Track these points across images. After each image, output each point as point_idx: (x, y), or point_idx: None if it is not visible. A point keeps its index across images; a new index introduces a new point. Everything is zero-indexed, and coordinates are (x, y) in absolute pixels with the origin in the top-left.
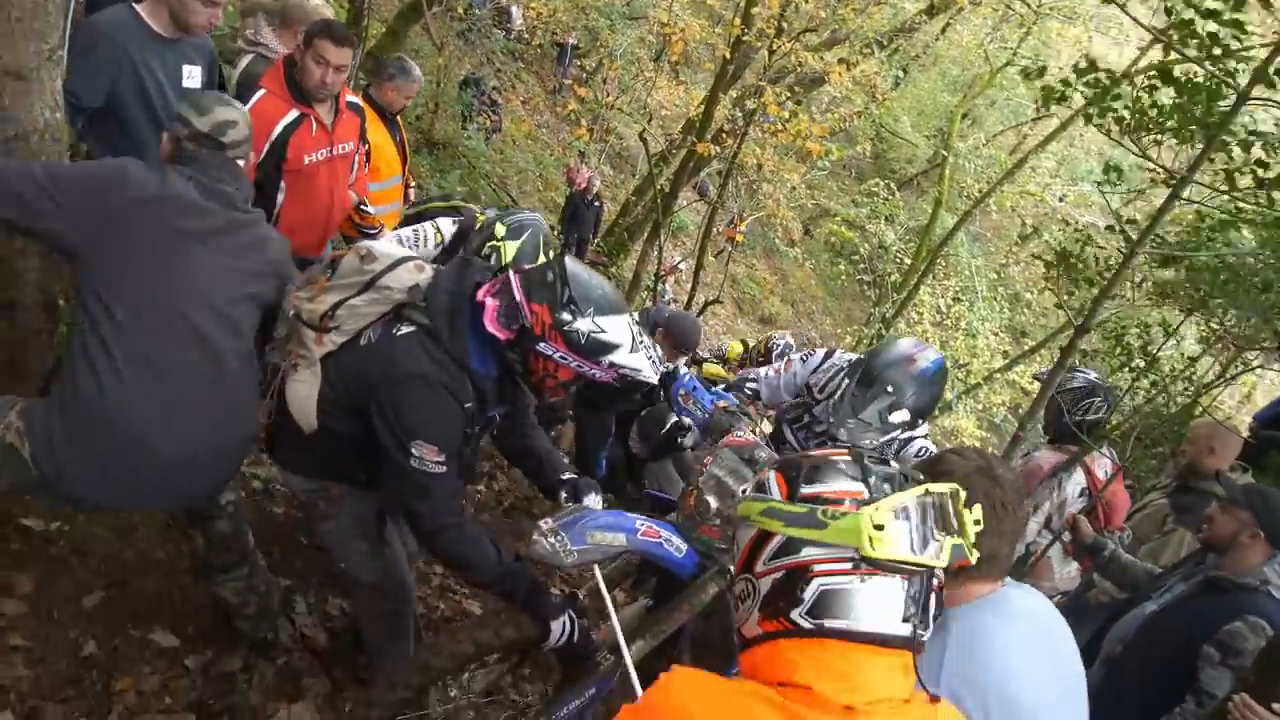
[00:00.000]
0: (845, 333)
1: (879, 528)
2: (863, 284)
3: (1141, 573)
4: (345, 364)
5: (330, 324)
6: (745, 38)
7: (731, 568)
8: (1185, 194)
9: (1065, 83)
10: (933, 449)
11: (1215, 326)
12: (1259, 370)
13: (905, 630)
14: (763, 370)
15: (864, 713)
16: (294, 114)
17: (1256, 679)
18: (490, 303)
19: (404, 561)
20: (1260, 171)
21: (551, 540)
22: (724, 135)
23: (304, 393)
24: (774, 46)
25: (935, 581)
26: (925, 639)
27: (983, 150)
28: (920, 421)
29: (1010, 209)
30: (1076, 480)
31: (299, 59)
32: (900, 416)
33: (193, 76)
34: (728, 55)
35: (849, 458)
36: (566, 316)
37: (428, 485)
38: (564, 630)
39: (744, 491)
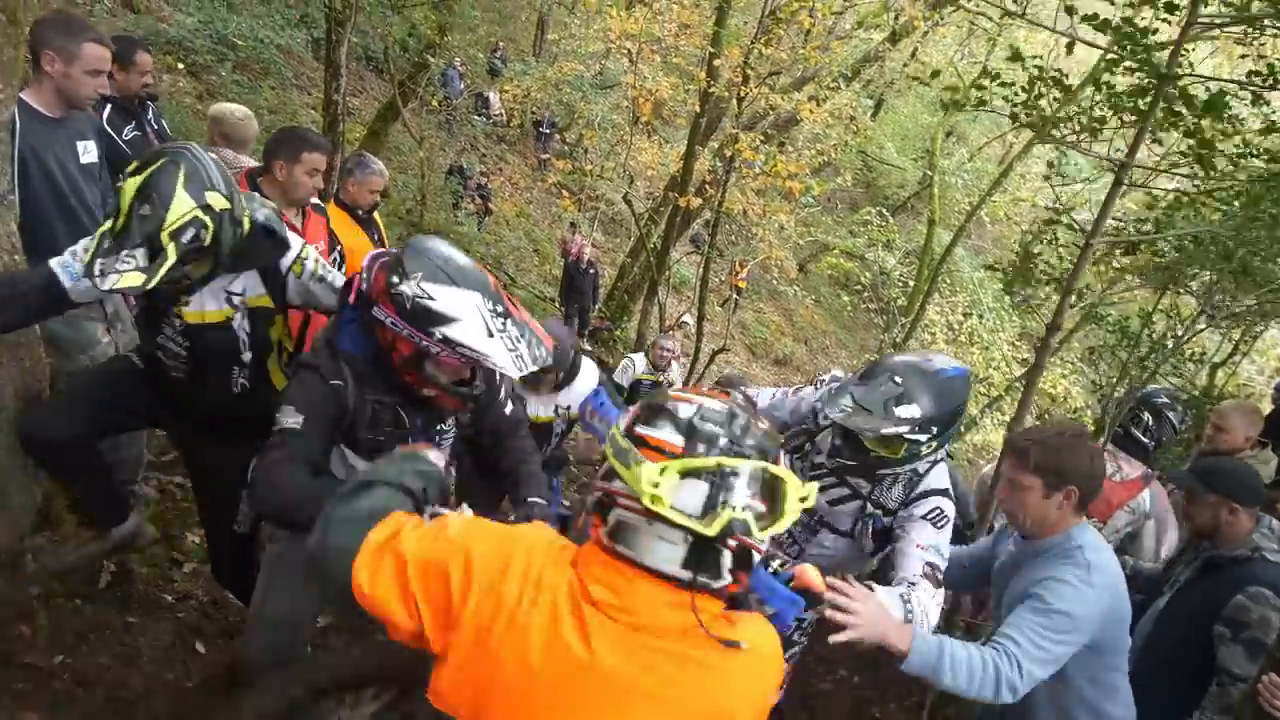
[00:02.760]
0: (861, 363)
1: (655, 485)
2: (870, 312)
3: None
4: None
5: None
6: (713, 89)
7: None
8: (1141, 180)
9: (979, 86)
10: (948, 472)
11: (1193, 300)
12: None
13: (684, 575)
14: (776, 389)
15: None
16: None
17: None
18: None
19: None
20: (1200, 149)
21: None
22: (707, 186)
23: None
24: (742, 94)
25: (733, 544)
26: (716, 587)
27: (969, 165)
28: (939, 433)
29: (1005, 218)
30: None
31: (283, 175)
32: (909, 412)
33: (88, 152)
34: (698, 109)
35: (690, 411)
36: (394, 279)
37: (279, 441)
38: None
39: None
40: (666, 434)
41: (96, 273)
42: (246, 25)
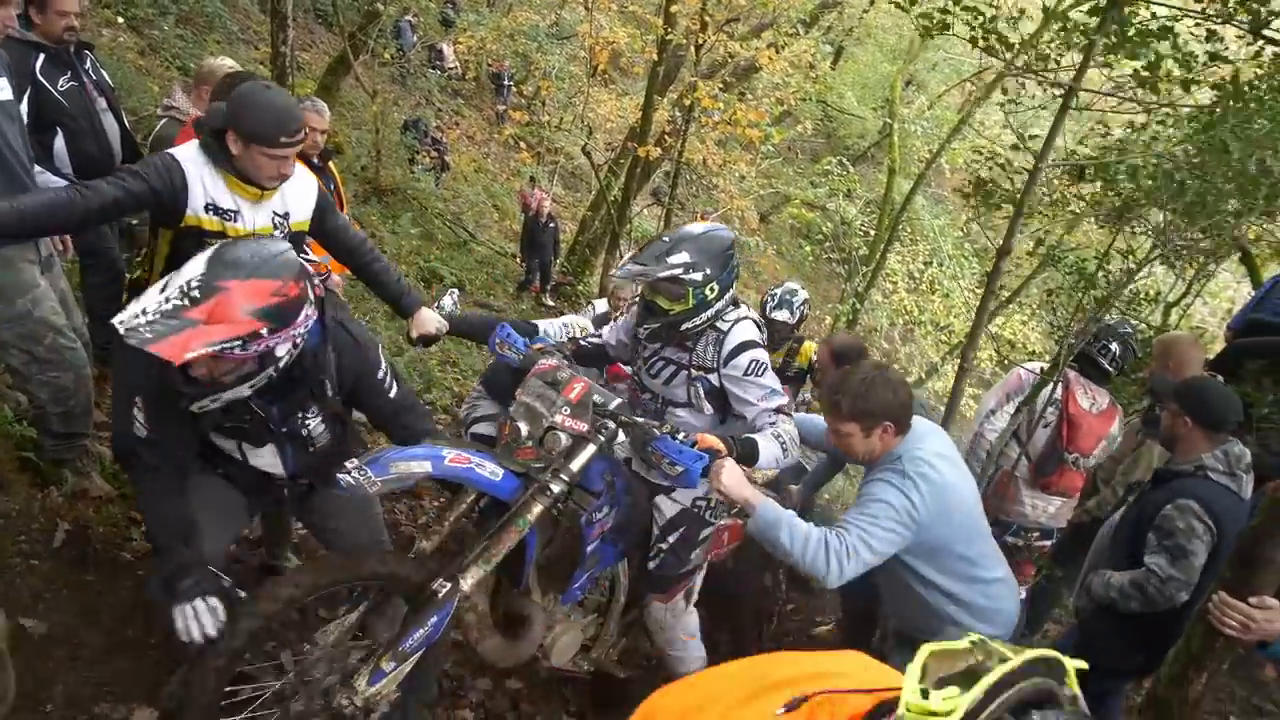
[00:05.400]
0: (823, 313)
1: None
2: (832, 262)
3: None
4: None
5: None
6: (670, 38)
7: (552, 484)
8: (1088, 103)
9: (944, 10)
10: (754, 326)
11: (1140, 234)
12: (1217, 278)
13: None
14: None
15: None
16: None
17: (1232, 575)
18: None
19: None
20: (1145, 74)
21: (355, 474)
22: (666, 137)
23: None
24: (700, 42)
25: None
26: None
27: (928, 113)
28: (715, 276)
29: (964, 165)
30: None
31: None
32: (678, 258)
33: (3, 89)
34: (656, 58)
35: None
36: None
37: None
38: (189, 621)
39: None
40: None
41: None
42: None
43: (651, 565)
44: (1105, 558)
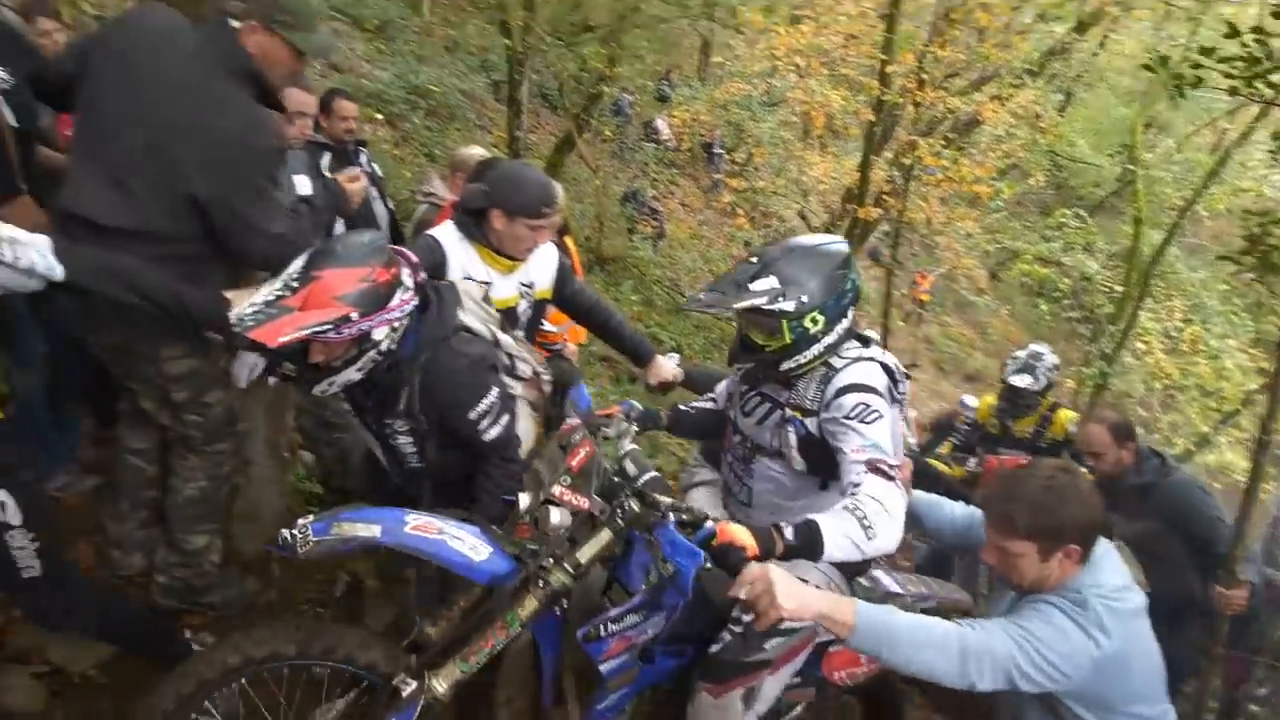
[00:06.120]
0: (1064, 377)
1: None
2: (1073, 321)
3: None
4: None
5: None
6: (886, 97)
7: (550, 577)
8: None
9: (1195, 65)
10: (880, 370)
11: None
12: None
13: None
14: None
15: None
16: None
17: None
18: None
19: None
20: None
21: (295, 531)
22: (885, 197)
23: None
24: (917, 99)
25: None
26: None
27: (1177, 156)
28: (816, 305)
29: (1226, 211)
30: None
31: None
32: (765, 284)
33: (305, 185)
34: (873, 118)
35: None
36: None
37: None
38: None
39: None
40: None
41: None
42: (434, 75)
43: (713, 648)
44: None
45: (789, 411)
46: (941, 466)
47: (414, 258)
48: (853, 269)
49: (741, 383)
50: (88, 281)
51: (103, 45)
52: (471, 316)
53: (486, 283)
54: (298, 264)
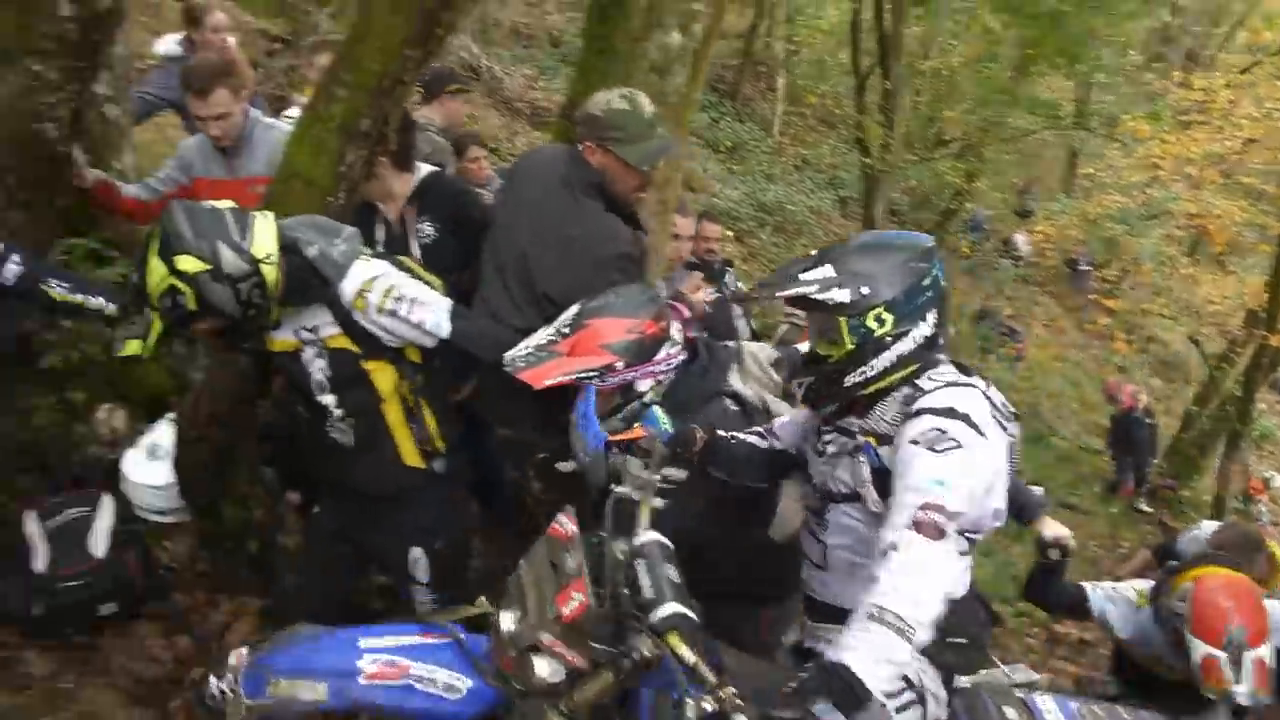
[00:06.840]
0: None
1: None
2: None
3: None
4: None
5: None
6: None
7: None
8: None
9: None
10: (982, 400)
11: None
12: None
13: None
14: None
15: None
16: None
17: None
18: None
19: None
20: None
21: (224, 684)
22: None
23: None
24: None
25: None
26: None
27: None
28: (877, 298)
29: None
30: None
31: None
32: (819, 274)
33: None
34: None
35: None
36: None
37: None
38: None
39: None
40: None
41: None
42: (782, 192)
43: None
44: None
45: (861, 438)
46: None
47: (686, 313)
48: (935, 263)
49: (814, 413)
50: (467, 344)
51: (508, 178)
52: (749, 381)
53: None
54: (571, 311)
